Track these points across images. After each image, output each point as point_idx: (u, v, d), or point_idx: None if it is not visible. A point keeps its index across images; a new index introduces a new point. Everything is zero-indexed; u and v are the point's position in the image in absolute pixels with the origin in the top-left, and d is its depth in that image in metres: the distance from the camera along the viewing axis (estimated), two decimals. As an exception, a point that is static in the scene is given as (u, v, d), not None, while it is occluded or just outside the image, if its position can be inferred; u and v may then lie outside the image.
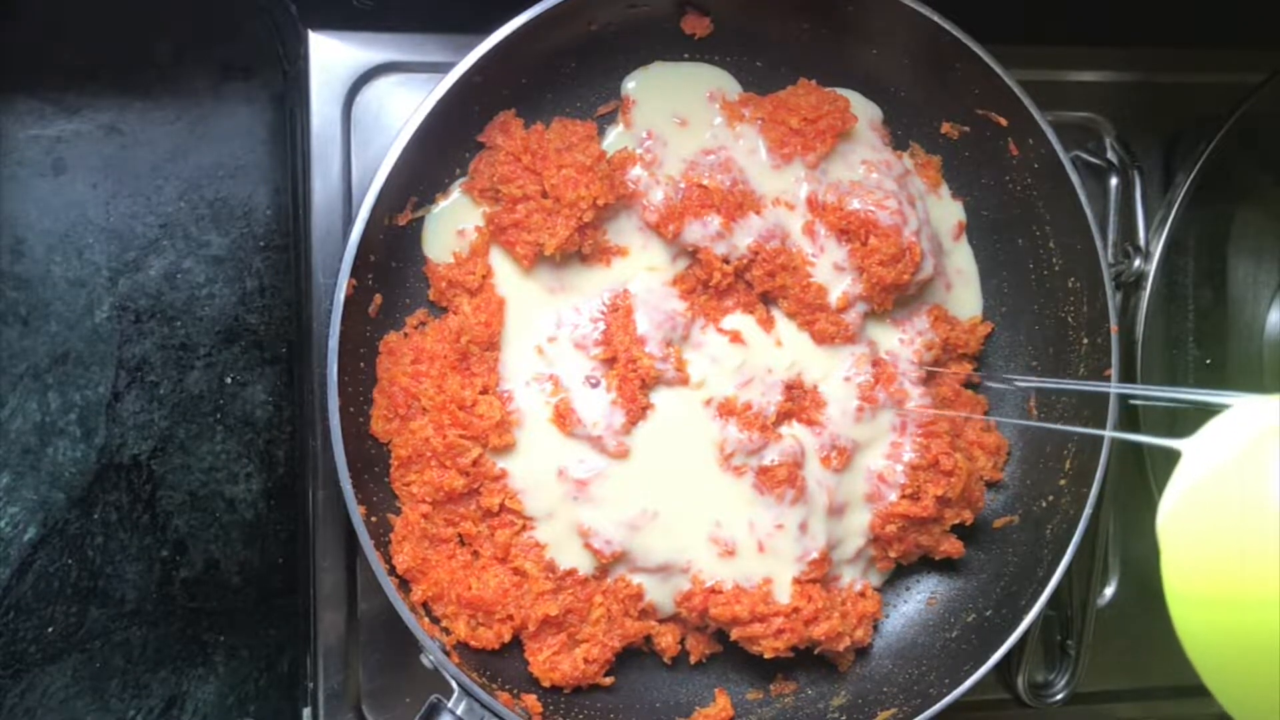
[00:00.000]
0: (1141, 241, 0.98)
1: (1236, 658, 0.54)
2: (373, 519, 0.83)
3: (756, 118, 0.91)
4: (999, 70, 0.87)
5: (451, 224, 0.89)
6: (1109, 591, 1.04)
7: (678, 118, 0.91)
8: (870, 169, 0.91)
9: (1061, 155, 0.88)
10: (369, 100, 0.91)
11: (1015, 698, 1.00)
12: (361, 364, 0.87)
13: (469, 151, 0.90)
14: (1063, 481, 0.92)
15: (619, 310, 0.88)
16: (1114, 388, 0.86)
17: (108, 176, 0.94)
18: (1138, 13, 1.02)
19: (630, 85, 0.92)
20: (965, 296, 0.97)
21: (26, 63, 0.93)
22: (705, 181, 0.88)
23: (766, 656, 0.88)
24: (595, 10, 0.87)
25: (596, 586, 0.88)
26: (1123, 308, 0.97)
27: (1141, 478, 1.00)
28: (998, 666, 0.87)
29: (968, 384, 0.97)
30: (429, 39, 0.92)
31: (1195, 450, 0.57)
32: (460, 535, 0.87)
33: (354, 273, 0.81)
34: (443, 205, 0.89)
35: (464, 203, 0.89)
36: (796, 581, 0.88)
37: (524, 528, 0.87)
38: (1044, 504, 0.93)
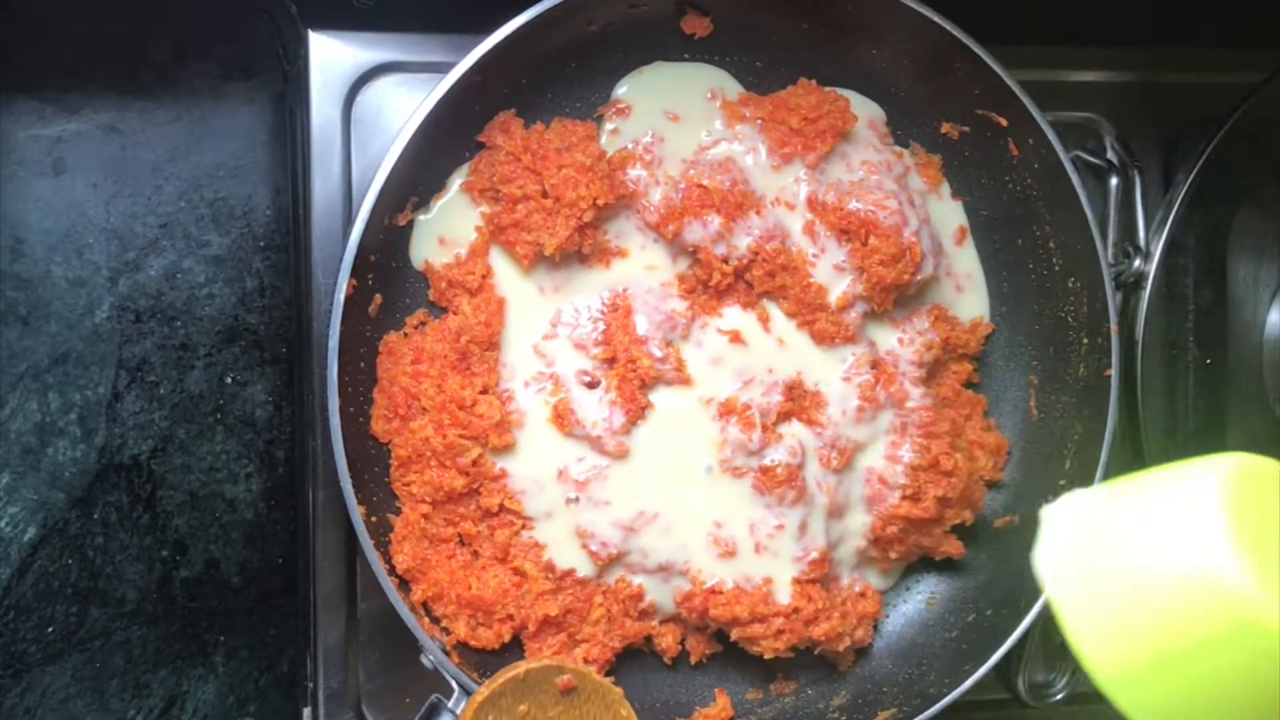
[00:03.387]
0: (1141, 241, 0.97)
1: (1193, 710, 0.54)
2: (373, 519, 0.83)
3: (756, 117, 0.91)
4: (999, 70, 0.87)
5: (442, 228, 0.89)
6: (1109, 591, 1.03)
7: (676, 117, 0.91)
8: (870, 169, 0.91)
9: (1061, 155, 0.88)
10: (369, 100, 0.91)
11: (1015, 698, 1.00)
12: (361, 364, 0.87)
13: (469, 151, 0.90)
14: (1063, 481, 0.92)
15: (619, 310, 0.88)
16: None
17: (108, 176, 0.94)
18: (1138, 13, 1.02)
19: (621, 90, 0.92)
20: (974, 300, 0.97)
21: (26, 63, 0.93)
22: (705, 181, 0.88)
23: (766, 657, 0.88)
24: (595, 10, 0.87)
25: (596, 587, 0.88)
26: (1123, 308, 0.97)
27: (1141, 478, 1.00)
28: (998, 666, 0.87)
29: (967, 383, 0.97)
30: (429, 39, 0.91)
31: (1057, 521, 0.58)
32: (460, 535, 0.87)
33: (354, 273, 0.81)
34: (436, 208, 0.89)
35: (462, 203, 0.89)
36: (796, 582, 0.88)
37: (523, 528, 0.87)
38: (1044, 504, 0.93)
